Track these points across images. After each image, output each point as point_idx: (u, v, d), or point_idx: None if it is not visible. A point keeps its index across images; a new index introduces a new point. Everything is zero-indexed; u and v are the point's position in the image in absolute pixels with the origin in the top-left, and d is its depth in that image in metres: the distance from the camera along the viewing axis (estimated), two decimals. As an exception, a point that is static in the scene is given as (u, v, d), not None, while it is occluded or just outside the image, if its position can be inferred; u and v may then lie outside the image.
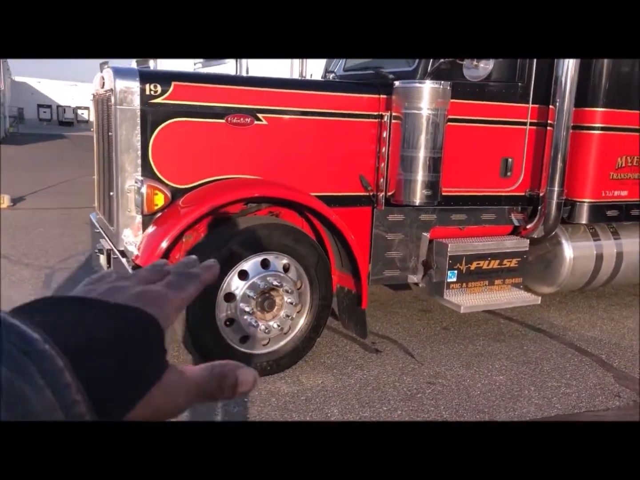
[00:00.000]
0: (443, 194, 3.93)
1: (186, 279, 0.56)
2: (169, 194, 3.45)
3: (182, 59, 13.68)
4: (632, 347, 4.41)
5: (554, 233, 4.51)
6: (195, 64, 11.23)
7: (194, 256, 0.60)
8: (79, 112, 41.78)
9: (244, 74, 9.74)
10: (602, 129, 4.35)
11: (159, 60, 14.76)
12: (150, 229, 3.44)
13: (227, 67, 10.52)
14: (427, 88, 3.69)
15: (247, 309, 3.46)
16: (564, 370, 3.93)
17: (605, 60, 4.24)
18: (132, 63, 16.22)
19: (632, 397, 3.62)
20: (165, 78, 3.52)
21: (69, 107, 41.17)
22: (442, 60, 3.84)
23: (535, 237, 4.51)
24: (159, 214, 3.46)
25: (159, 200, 3.40)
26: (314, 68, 5.74)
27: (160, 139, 3.49)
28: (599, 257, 4.74)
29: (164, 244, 3.30)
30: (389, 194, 3.91)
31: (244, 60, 10.02)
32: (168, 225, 3.36)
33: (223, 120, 3.61)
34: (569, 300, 5.39)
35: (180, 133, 3.54)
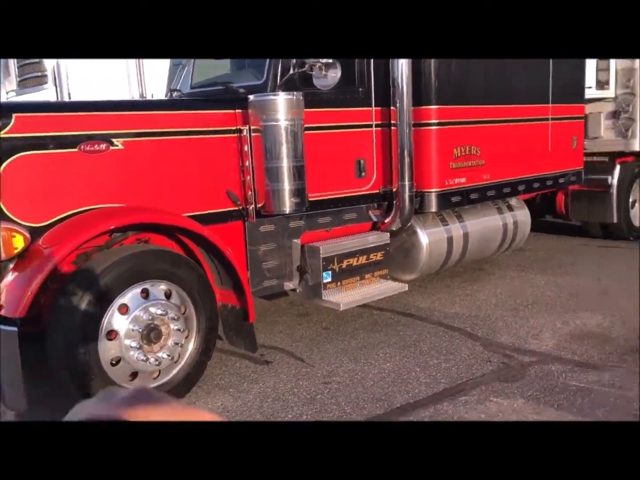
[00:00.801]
0: (309, 199, 4.07)
1: None
2: (27, 235, 3.16)
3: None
4: (489, 317, 4.90)
5: (409, 224, 4.87)
6: (7, 93, 10.26)
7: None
8: None
9: (66, 99, 9.14)
10: (438, 124, 4.79)
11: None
12: (12, 275, 3.12)
13: (45, 93, 9.76)
14: (281, 100, 3.79)
15: (133, 344, 3.27)
16: (439, 347, 4.26)
17: (433, 60, 4.68)
18: None
19: (500, 360, 4.03)
20: (4, 110, 3.21)
21: None
22: (291, 72, 3.96)
23: (394, 229, 4.84)
24: (19, 258, 3.16)
25: (18, 243, 3.10)
26: (154, 88, 5.58)
27: (7, 177, 3.18)
28: (450, 240, 5.21)
29: (30, 292, 3.01)
30: (259, 205, 3.95)
31: (64, 86, 9.40)
32: (32, 269, 3.07)
33: (75, 149, 3.39)
34: (427, 283, 5.83)
35: (29, 168, 3.26)
